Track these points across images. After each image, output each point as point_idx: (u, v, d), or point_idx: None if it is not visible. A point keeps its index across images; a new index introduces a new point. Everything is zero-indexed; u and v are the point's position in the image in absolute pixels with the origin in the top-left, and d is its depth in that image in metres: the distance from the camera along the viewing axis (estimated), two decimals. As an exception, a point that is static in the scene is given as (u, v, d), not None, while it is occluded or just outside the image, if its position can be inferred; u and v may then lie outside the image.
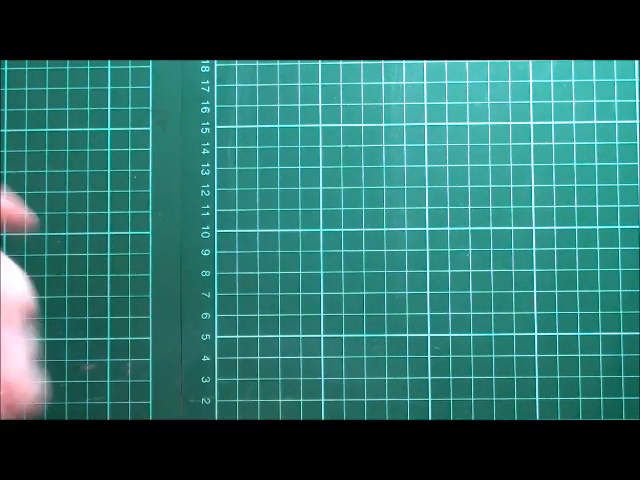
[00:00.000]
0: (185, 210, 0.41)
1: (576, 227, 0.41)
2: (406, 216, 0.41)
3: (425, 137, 0.41)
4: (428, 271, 0.41)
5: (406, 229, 0.41)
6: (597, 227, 0.41)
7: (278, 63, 0.42)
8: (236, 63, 0.42)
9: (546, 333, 0.41)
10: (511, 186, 0.41)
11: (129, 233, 0.41)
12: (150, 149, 0.41)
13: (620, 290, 0.41)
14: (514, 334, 0.41)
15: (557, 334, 0.40)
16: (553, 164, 0.41)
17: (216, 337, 0.41)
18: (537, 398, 0.40)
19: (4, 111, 0.42)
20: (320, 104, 0.42)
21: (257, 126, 0.41)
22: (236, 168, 0.41)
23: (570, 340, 0.41)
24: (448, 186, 0.41)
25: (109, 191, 0.41)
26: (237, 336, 0.41)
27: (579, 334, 0.40)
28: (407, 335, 0.41)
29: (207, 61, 0.42)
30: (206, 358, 0.41)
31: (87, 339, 0.41)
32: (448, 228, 0.41)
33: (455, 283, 0.41)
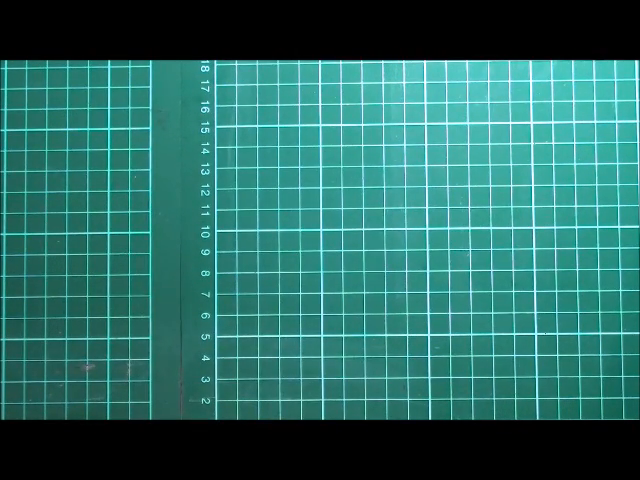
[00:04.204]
0: (185, 210, 0.41)
1: (576, 227, 0.41)
2: (406, 216, 0.41)
3: (425, 137, 0.41)
4: (428, 271, 0.41)
5: (406, 229, 0.41)
6: (597, 227, 0.41)
7: (278, 63, 0.42)
8: (236, 63, 0.42)
9: (546, 333, 0.41)
10: (511, 186, 0.41)
11: (129, 233, 0.41)
12: (150, 149, 0.41)
13: (620, 290, 0.41)
14: (514, 334, 0.41)
15: (557, 334, 0.40)
16: (553, 164, 0.41)
17: (216, 337, 0.41)
18: (537, 398, 0.40)
19: (4, 111, 0.42)
20: (320, 104, 0.42)
21: (257, 126, 0.41)
22: (236, 168, 0.41)
23: (570, 340, 0.41)
24: (448, 186, 0.41)
25: (109, 191, 0.41)
26: (237, 336, 0.41)
27: (579, 334, 0.40)
28: (407, 335, 0.41)
29: (207, 61, 0.42)
30: (206, 358, 0.41)
31: (87, 339, 0.41)
32: (448, 228, 0.41)
33: (455, 283, 0.41)
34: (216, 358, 0.41)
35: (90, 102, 0.42)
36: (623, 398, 0.40)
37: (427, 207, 0.41)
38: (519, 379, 0.40)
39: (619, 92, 0.41)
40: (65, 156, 0.41)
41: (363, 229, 0.41)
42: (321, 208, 0.41)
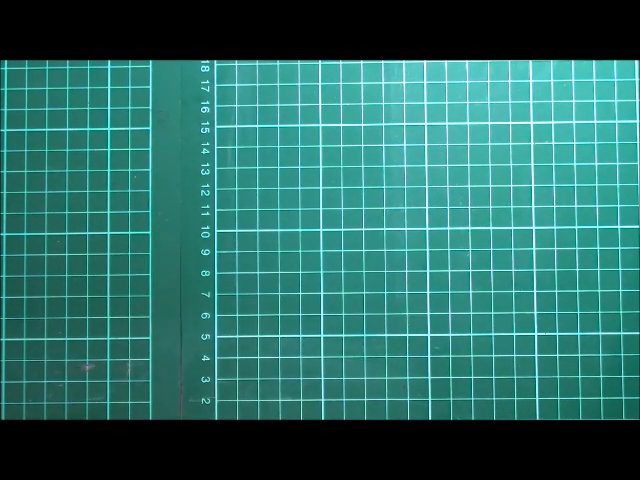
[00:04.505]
0: (185, 210, 0.41)
1: (576, 227, 0.41)
2: (406, 216, 0.41)
3: (425, 137, 0.41)
4: (428, 271, 0.41)
5: (406, 229, 0.41)
6: (597, 227, 0.41)
7: (278, 63, 0.42)
8: (236, 63, 0.42)
9: (546, 333, 0.41)
10: (511, 186, 0.41)
11: (129, 233, 0.41)
12: (150, 149, 0.41)
13: (620, 290, 0.41)
14: (514, 334, 0.41)
15: (557, 334, 0.40)
16: (553, 164, 0.41)
17: (216, 337, 0.41)
18: (537, 398, 0.40)
19: (4, 111, 0.42)
20: (320, 104, 0.42)
21: (257, 126, 0.41)
22: (236, 168, 0.41)
23: (570, 340, 0.41)
24: (448, 186, 0.41)
25: (109, 191, 0.41)
26: (237, 336, 0.41)
27: (579, 334, 0.40)
28: (407, 335, 0.41)
29: (207, 61, 0.42)
30: (206, 358, 0.41)
31: (87, 339, 0.41)
32: (448, 228, 0.41)
33: (455, 283, 0.41)
34: (216, 358, 0.41)
35: (90, 102, 0.42)
36: (623, 398, 0.40)
37: (427, 207, 0.41)
38: (519, 379, 0.40)
39: (619, 92, 0.41)
40: (65, 156, 0.41)
41: (363, 229, 0.41)
42: (321, 208, 0.41)
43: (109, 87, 0.42)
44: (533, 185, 0.41)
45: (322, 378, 0.41)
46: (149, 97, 0.42)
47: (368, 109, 0.41)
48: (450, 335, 0.41)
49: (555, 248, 0.41)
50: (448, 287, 0.41)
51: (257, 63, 0.42)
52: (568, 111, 0.41)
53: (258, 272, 0.41)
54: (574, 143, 0.41)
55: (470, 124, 0.41)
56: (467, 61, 0.41)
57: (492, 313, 0.41)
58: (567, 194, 0.41)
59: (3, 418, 0.41)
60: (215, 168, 0.41)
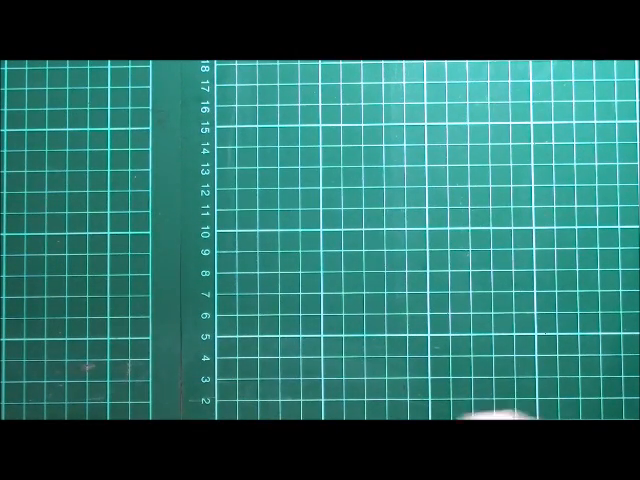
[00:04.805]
0: (185, 210, 0.41)
1: (576, 227, 0.41)
2: (406, 216, 0.41)
3: (425, 137, 0.41)
4: (428, 271, 0.41)
5: (406, 229, 0.41)
6: (597, 227, 0.41)
7: (278, 63, 0.42)
8: (236, 63, 0.42)
9: (546, 333, 0.41)
10: (511, 186, 0.41)
11: (129, 233, 0.41)
12: (150, 149, 0.41)
13: (620, 290, 0.41)
14: (514, 334, 0.41)
15: (557, 334, 0.40)
16: (553, 164, 0.41)
17: (216, 337, 0.41)
18: (537, 398, 0.40)
19: (4, 111, 0.42)
20: (320, 104, 0.42)
21: (257, 126, 0.41)
22: (236, 168, 0.41)
23: (570, 340, 0.41)
24: (448, 186, 0.41)
25: (109, 191, 0.41)
26: (237, 336, 0.41)
27: (579, 334, 0.40)
28: (407, 335, 0.41)
29: (207, 61, 0.42)
30: (206, 358, 0.41)
31: (87, 339, 0.41)
32: (448, 228, 0.41)
33: (455, 283, 0.41)
34: (216, 358, 0.41)
35: (90, 102, 0.42)
36: (623, 398, 0.40)
37: (427, 207, 0.41)
38: (519, 379, 0.40)
39: (619, 92, 0.41)
40: (65, 156, 0.41)
41: (363, 229, 0.41)
42: (321, 208, 0.41)
43: (109, 87, 0.42)
44: (533, 185, 0.41)
45: (322, 378, 0.41)
46: (149, 97, 0.42)
47: (368, 109, 0.41)
48: (450, 335, 0.41)
49: (555, 248, 0.41)
50: (448, 287, 0.41)
51: (257, 63, 0.42)
52: (568, 111, 0.41)
53: (258, 272, 0.41)
54: (574, 143, 0.41)
55: (470, 124, 0.41)
56: (467, 61, 0.41)
57: (492, 313, 0.41)
58: (567, 194, 0.41)
59: (3, 418, 0.41)
60: (215, 168, 0.41)
